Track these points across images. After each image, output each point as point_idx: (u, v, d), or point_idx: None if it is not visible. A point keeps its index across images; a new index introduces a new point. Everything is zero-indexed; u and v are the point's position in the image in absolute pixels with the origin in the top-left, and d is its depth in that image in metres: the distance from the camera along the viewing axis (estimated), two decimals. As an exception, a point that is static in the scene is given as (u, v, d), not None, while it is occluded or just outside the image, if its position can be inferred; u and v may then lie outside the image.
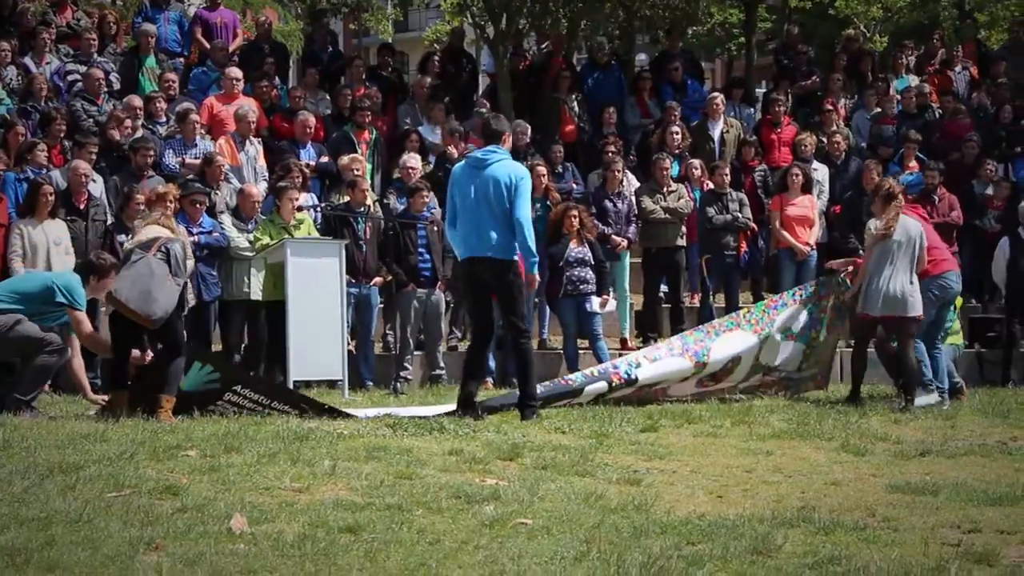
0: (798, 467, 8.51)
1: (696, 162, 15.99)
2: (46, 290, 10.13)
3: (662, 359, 11.77)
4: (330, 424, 9.30)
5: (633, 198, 15.12)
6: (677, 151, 16.43)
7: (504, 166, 10.28)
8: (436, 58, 19.25)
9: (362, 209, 13.58)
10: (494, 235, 10.19)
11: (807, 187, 15.34)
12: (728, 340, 12.01)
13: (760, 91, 21.57)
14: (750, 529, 6.60)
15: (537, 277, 10.88)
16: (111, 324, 10.15)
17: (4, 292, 10.23)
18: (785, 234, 15.11)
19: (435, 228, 13.79)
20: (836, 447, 9.21)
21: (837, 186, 16.24)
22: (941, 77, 19.64)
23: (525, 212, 10.25)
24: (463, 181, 10.32)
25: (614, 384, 11.37)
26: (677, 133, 16.59)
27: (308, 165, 14.81)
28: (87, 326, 10.26)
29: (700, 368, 11.79)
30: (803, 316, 12.29)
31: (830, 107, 17.75)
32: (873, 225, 11.87)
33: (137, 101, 15.24)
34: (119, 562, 5.63)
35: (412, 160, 14.76)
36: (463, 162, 10.65)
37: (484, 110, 17.16)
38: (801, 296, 12.45)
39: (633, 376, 11.47)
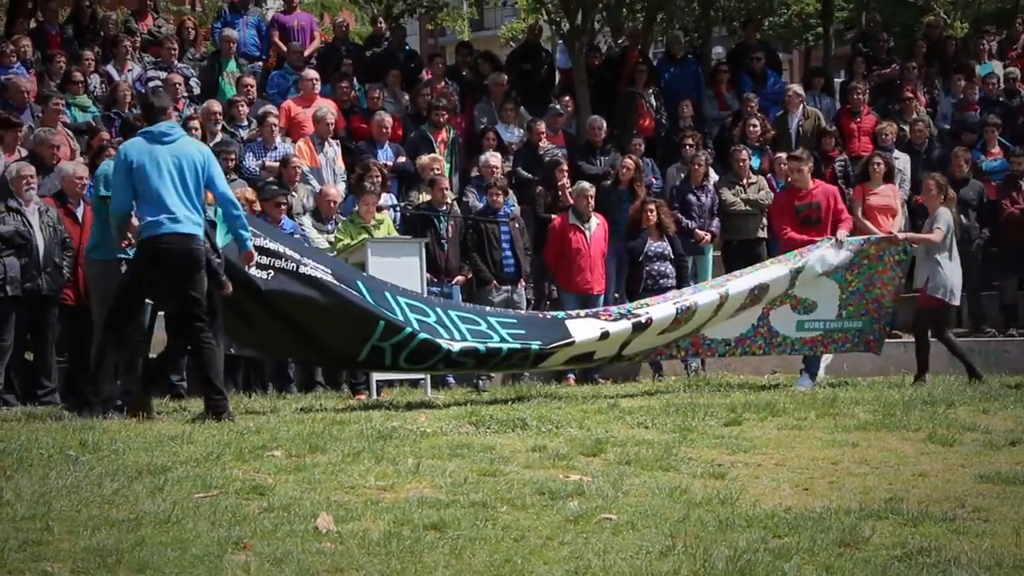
0: (885, 458, 8.42)
1: (782, 155, 15.91)
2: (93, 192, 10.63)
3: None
4: (413, 423, 9.34)
5: (714, 191, 15.09)
6: (757, 143, 16.36)
7: (192, 143, 10.03)
8: (484, 56, 19.25)
9: (443, 208, 13.63)
10: (187, 213, 9.64)
11: (889, 176, 15.15)
12: (753, 275, 12.22)
13: (837, 80, 21.34)
14: (837, 521, 6.54)
15: (253, 252, 10.03)
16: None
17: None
18: (868, 223, 14.94)
19: (516, 224, 13.86)
20: (923, 438, 9.09)
21: (920, 174, 16.06)
22: (1024, 62, 19.38)
23: (226, 187, 9.98)
24: (145, 158, 9.59)
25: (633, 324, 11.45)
26: (756, 125, 16.55)
27: (386, 165, 14.88)
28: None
29: (724, 299, 11.82)
30: (842, 255, 12.28)
31: (910, 95, 17.55)
32: (945, 218, 12.51)
33: (216, 106, 15.37)
34: (208, 562, 5.69)
35: (493, 158, 14.82)
36: (139, 139, 9.77)
37: (557, 105, 17.20)
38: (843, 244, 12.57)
39: (646, 317, 11.53)
